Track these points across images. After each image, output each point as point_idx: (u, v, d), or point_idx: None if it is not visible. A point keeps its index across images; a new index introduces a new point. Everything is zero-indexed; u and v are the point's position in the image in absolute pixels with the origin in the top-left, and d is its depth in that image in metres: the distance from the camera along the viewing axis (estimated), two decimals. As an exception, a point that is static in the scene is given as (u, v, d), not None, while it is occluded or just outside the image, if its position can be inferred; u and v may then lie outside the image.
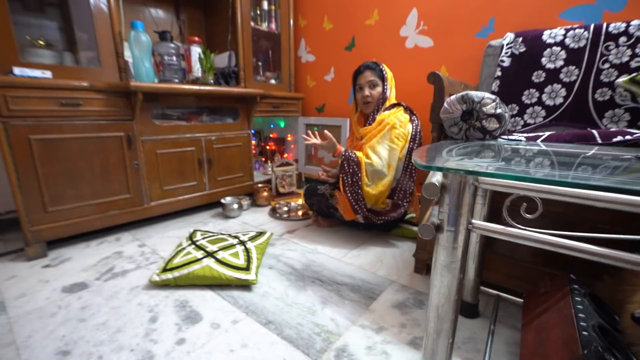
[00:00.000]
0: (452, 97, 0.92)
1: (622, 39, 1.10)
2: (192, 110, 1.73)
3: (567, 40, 1.19)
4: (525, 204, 0.45)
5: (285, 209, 1.80)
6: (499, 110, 0.87)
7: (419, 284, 1.11)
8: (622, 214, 0.46)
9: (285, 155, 2.41)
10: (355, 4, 1.88)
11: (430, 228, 0.49)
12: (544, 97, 1.24)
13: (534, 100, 1.25)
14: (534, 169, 0.51)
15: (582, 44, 1.16)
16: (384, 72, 1.41)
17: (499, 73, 1.31)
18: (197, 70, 1.73)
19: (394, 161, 1.33)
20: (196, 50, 1.75)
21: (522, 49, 1.27)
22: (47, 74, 1.20)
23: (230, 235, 1.30)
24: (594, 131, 0.84)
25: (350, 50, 1.97)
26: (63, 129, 1.23)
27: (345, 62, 2.01)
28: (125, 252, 1.31)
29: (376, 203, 1.38)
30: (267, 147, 2.44)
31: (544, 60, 1.23)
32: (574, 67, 1.18)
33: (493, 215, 0.86)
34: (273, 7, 2.04)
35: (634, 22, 1.08)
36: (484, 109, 0.86)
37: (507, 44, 1.31)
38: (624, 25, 1.09)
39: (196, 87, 1.53)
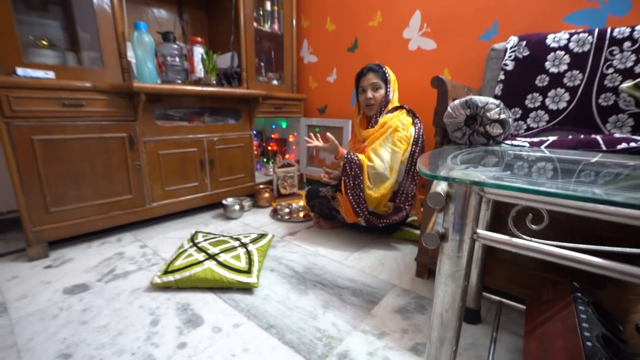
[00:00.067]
0: (456, 101, 0.92)
1: (627, 44, 1.09)
2: (194, 110, 1.73)
3: (571, 45, 1.18)
4: (531, 214, 0.45)
5: (287, 210, 1.79)
6: (502, 116, 0.86)
7: (421, 288, 1.11)
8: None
9: (287, 156, 2.41)
10: (358, 5, 1.88)
11: (435, 237, 0.48)
12: (548, 101, 1.23)
13: (538, 104, 1.25)
14: (540, 179, 0.50)
15: (586, 48, 1.16)
16: (387, 75, 1.41)
17: (502, 77, 1.31)
18: (199, 71, 1.73)
19: (396, 164, 1.33)
20: (199, 51, 1.74)
21: (526, 53, 1.27)
22: (50, 74, 1.20)
23: (231, 237, 1.30)
24: (598, 138, 0.84)
25: (353, 51, 1.97)
26: (65, 130, 1.23)
27: (348, 64, 2.01)
28: (127, 253, 1.31)
29: (378, 206, 1.38)
30: (269, 148, 2.44)
31: (547, 64, 1.23)
32: (577, 72, 1.17)
33: (496, 221, 0.86)
34: (276, 8, 2.04)
35: (638, 27, 1.07)
36: (488, 114, 0.86)
37: (510, 48, 1.30)
38: (628, 30, 1.09)
39: (199, 88, 1.52)
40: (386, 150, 1.32)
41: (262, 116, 1.99)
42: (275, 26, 2.05)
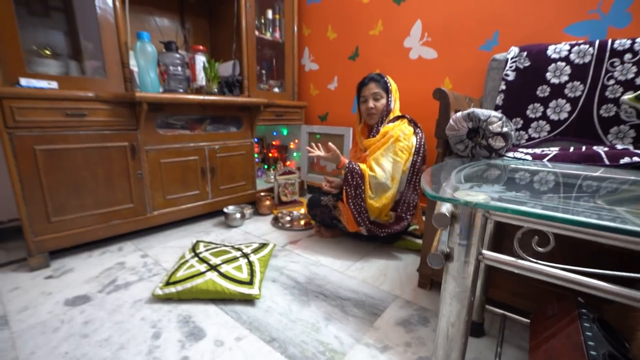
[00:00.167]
0: (458, 114, 0.92)
1: (628, 56, 1.10)
2: (196, 119, 1.73)
3: (572, 56, 1.19)
4: (537, 237, 0.44)
5: (288, 218, 1.79)
6: (505, 129, 0.87)
7: (423, 299, 1.10)
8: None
9: (288, 163, 2.41)
10: (359, 14, 1.89)
11: (440, 258, 0.48)
12: (549, 111, 1.24)
13: (539, 114, 1.26)
14: (545, 200, 0.50)
15: (587, 59, 1.17)
16: (389, 85, 1.42)
17: (503, 87, 1.32)
18: (201, 79, 1.74)
19: (397, 174, 1.33)
20: (200, 59, 1.75)
21: (527, 64, 1.28)
22: (53, 84, 1.20)
23: (233, 247, 1.30)
24: (601, 151, 0.84)
25: (354, 60, 1.98)
26: (68, 139, 1.23)
27: (349, 72, 2.02)
28: (128, 262, 1.31)
29: (379, 216, 1.38)
30: (270, 155, 2.44)
31: (548, 75, 1.23)
32: (578, 83, 1.18)
33: (499, 236, 0.86)
34: (277, 16, 2.05)
35: (639, 39, 1.08)
36: (491, 127, 0.86)
37: (511, 58, 1.31)
38: (629, 42, 1.10)
39: (201, 97, 1.53)
40: (388, 160, 1.32)
41: (263, 124, 1.99)
42: (277, 34, 2.07)
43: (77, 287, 1.13)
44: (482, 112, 0.88)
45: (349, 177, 1.33)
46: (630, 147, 1.06)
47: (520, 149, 1.13)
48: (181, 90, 1.56)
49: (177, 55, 1.51)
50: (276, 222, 1.78)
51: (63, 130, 1.22)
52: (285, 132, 2.45)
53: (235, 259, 1.19)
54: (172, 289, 1.04)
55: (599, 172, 0.76)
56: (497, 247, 0.87)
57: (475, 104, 1.35)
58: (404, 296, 1.12)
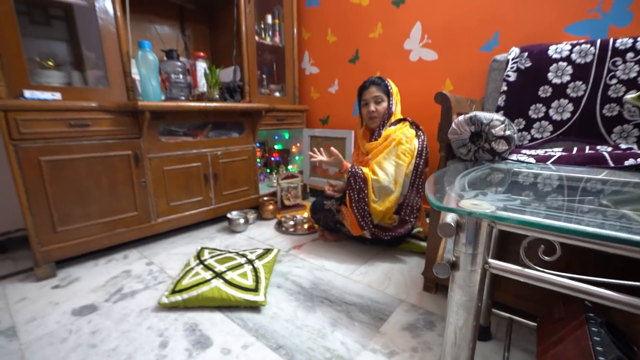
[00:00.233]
0: (460, 118, 0.92)
1: (630, 55, 1.09)
2: (198, 125, 1.74)
3: (574, 56, 1.18)
4: (543, 245, 0.44)
5: (292, 222, 1.79)
6: (508, 132, 0.86)
7: (429, 303, 1.10)
8: None
9: (290, 166, 2.41)
10: (358, 17, 1.89)
11: (446, 267, 0.48)
12: (551, 112, 1.23)
13: (541, 115, 1.25)
14: (551, 208, 0.50)
15: (588, 59, 1.16)
16: (390, 88, 1.42)
17: (504, 88, 1.31)
18: (202, 85, 1.75)
19: (400, 177, 1.33)
20: (202, 66, 1.76)
21: (528, 64, 1.27)
22: (57, 95, 1.21)
23: (237, 254, 1.30)
24: (605, 153, 0.84)
25: (354, 62, 1.98)
26: (72, 150, 1.24)
27: (350, 75, 2.02)
28: (134, 270, 1.32)
29: (383, 219, 1.38)
30: (272, 160, 2.44)
31: (550, 75, 1.23)
32: (580, 83, 1.18)
33: (503, 242, 0.85)
34: (277, 21, 2.06)
35: (641, 38, 1.07)
36: (493, 130, 0.86)
37: (512, 59, 1.31)
38: (630, 41, 1.09)
39: (202, 104, 1.54)
40: (390, 164, 1.32)
41: (265, 128, 2.00)
42: (277, 39, 2.07)
43: (84, 297, 1.13)
44: (485, 116, 0.88)
45: (352, 181, 1.33)
46: (635, 147, 1.06)
47: (524, 151, 1.13)
48: (183, 98, 1.57)
49: (178, 63, 1.52)
50: (280, 226, 1.79)
51: (67, 141, 1.23)
52: (286, 136, 2.46)
53: (240, 265, 1.19)
54: (178, 297, 1.04)
55: (603, 175, 0.75)
56: (502, 250, 0.87)
57: (477, 105, 1.35)
58: (410, 300, 1.11)
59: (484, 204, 0.46)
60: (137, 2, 1.51)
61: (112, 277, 1.26)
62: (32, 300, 1.11)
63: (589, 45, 1.16)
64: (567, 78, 1.20)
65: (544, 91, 1.24)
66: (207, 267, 1.18)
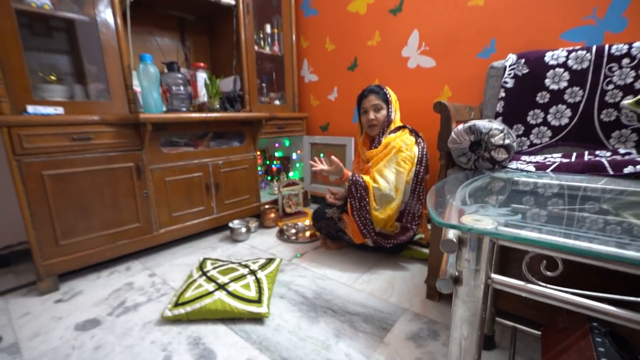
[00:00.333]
0: (460, 127, 0.93)
1: (625, 61, 1.11)
2: (199, 135, 1.75)
3: (570, 62, 1.20)
4: (545, 261, 0.45)
5: (293, 230, 1.80)
6: (507, 141, 0.87)
7: (432, 311, 1.10)
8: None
9: (291, 173, 2.42)
10: (356, 25, 1.91)
11: (449, 283, 0.49)
12: (549, 117, 1.24)
13: (540, 120, 1.26)
14: (552, 222, 0.51)
15: (585, 65, 1.17)
16: (388, 96, 1.43)
17: (503, 94, 1.32)
18: (203, 96, 1.76)
19: (401, 184, 1.33)
20: (202, 76, 1.78)
21: (525, 70, 1.28)
22: (59, 110, 1.22)
23: (240, 264, 1.30)
24: (604, 161, 0.84)
25: (353, 70, 2.00)
26: (74, 163, 1.25)
27: (348, 82, 2.04)
28: (136, 282, 1.32)
29: (385, 227, 1.38)
30: (273, 168, 2.45)
31: (547, 81, 1.24)
32: (578, 88, 1.19)
33: (505, 255, 0.86)
34: (276, 30, 2.08)
35: (636, 44, 1.09)
36: (493, 140, 0.87)
37: (509, 66, 1.32)
38: (626, 47, 1.10)
39: (204, 115, 1.55)
40: (391, 171, 1.33)
41: (266, 137, 2.01)
42: (276, 48, 2.09)
43: (87, 311, 1.13)
44: (484, 125, 0.88)
45: (353, 190, 1.34)
46: (633, 151, 1.06)
47: (523, 157, 1.14)
48: (184, 109, 1.58)
49: (179, 75, 1.53)
50: (282, 234, 1.79)
51: (70, 155, 1.23)
52: (287, 143, 2.47)
53: (242, 276, 1.19)
54: (181, 310, 1.04)
55: (602, 183, 0.76)
56: (505, 257, 0.87)
57: (476, 112, 1.36)
58: (413, 309, 1.11)
59: (486, 220, 0.46)
60: (137, 15, 1.53)
61: (115, 290, 1.26)
62: (35, 315, 1.11)
63: (584, 52, 1.17)
64: (564, 84, 1.21)
65: (542, 97, 1.25)
66: (210, 279, 1.18)
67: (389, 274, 1.35)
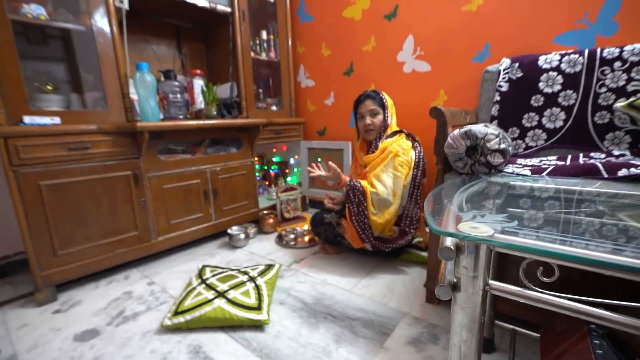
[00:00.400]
0: (456, 132, 0.94)
1: (617, 64, 1.12)
2: (196, 142, 1.75)
3: (563, 66, 1.21)
4: (541, 267, 0.45)
5: (292, 236, 1.80)
6: (503, 146, 0.88)
7: (432, 315, 1.10)
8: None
9: (289, 178, 2.42)
10: (351, 31, 1.93)
11: (448, 290, 0.49)
12: (544, 120, 1.26)
13: (534, 123, 1.28)
14: (548, 230, 0.51)
15: (577, 68, 1.19)
16: (384, 101, 1.44)
17: (497, 98, 1.34)
18: (200, 102, 1.76)
19: (399, 189, 1.34)
20: (198, 83, 1.78)
21: (519, 74, 1.30)
22: (56, 120, 1.22)
23: (239, 271, 1.30)
24: (599, 164, 0.85)
25: (349, 75, 2.01)
26: (72, 173, 1.25)
27: (345, 87, 2.05)
28: (135, 291, 1.31)
29: (383, 231, 1.38)
30: (271, 173, 2.45)
31: (541, 84, 1.26)
32: (571, 91, 1.20)
33: (503, 259, 0.86)
34: (272, 37, 2.09)
35: (627, 48, 1.10)
36: (488, 144, 0.88)
37: (504, 70, 1.33)
38: (617, 50, 1.12)
39: (201, 122, 1.55)
40: (388, 176, 1.33)
41: (263, 142, 2.01)
42: (272, 54, 2.10)
43: (86, 321, 1.13)
44: (479, 130, 0.89)
45: (351, 195, 1.34)
46: (627, 153, 1.08)
47: (519, 160, 1.15)
48: (181, 117, 1.59)
49: (176, 83, 1.54)
50: (280, 240, 1.79)
51: (67, 164, 1.23)
52: (284, 148, 2.47)
53: (242, 283, 1.19)
54: (180, 319, 1.04)
55: (596, 186, 0.77)
56: (503, 264, 0.88)
57: (471, 115, 1.37)
58: (413, 313, 1.11)
59: (482, 227, 0.47)
60: (133, 23, 1.53)
61: (114, 299, 1.26)
62: (34, 327, 1.10)
63: (577, 55, 1.19)
64: (558, 87, 1.22)
65: (536, 100, 1.27)
66: (209, 287, 1.17)
67: (388, 278, 1.35)
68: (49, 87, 1.36)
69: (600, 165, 0.84)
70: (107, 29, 1.33)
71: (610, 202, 0.73)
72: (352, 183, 1.35)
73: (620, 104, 1.07)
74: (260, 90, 2.19)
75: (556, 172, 0.88)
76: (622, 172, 0.79)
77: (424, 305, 1.15)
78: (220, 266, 1.42)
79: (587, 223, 0.61)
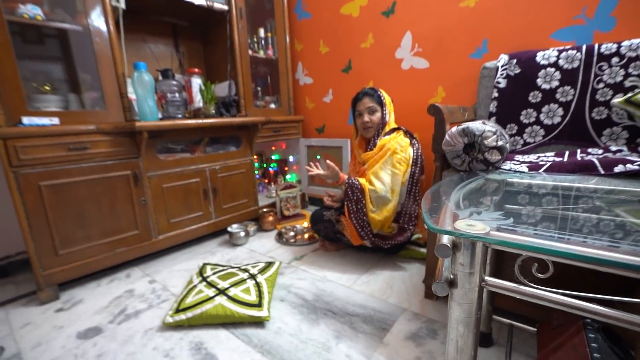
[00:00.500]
0: (454, 129, 0.94)
1: (615, 60, 1.12)
2: (195, 141, 1.75)
3: (561, 62, 1.21)
4: (536, 264, 0.46)
5: (292, 233, 1.81)
6: (500, 143, 0.89)
7: (431, 310, 1.11)
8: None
9: (288, 176, 2.43)
10: (349, 28, 1.92)
11: (444, 286, 0.50)
12: (542, 116, 1.26)
13: (532, 119, 1.28)
14: (544, 226, 0.52)
15: (575, 64, 1.19)
16: (382, 98, 1.44)
17: (495, 94, 1.34)
18: (198, 101, 1.76)
19: (397, 186, 1.35)
20: (197, 82, 1.78)
21: (517, 71, 1.30)
22: (55, 120, 1.23)
23: (240, 269, 1.31)
24: (595, 160, 0.86)
25: (348, 72, 2.01)
26: (71, 173, 1.25)
27: (343, 84, 2.05)
28: (137, 289, 1.32)
29: (382, 228, 1.39)
30: (270, 171, 2.46)
31: (539, 80, 1.26)
32: (569, 87, 1.20)
33: (500, 253, 0.87)
34: (269, 34, 2.09)
35: (625, 43, 1.10)
36: (486, 142, 0.88)
37: (502, 66, 1.34)
38: (615, 46, 1.12)
39: (199, 121, 1.55)
40: (386, 173, 1.34)
41: (262, 140, 2.02)
42: (270, 51, 2.10)
43: (88, 319, 1.14)
44: (477, 127, 0.90)
45: (349, 192, 1.35)
46: (625, 148, 1.08)
47: (517, 156, 1.16)
48: (179, 116, 1.59)
49: (174, 82, 1.54)
50: (280, 237, 1.80)
51: (66, 165, 1.24)
52: (284, 146, 2.47)
53: (242, 281, 1.20)
54: (182, 316, 1.05)
55: (593, 182, 0.78)
56: (499, 263, 0.89)
57: (469, 112, 1.38)
58: (412, 308, 1.13)
59: (479, 225, 0.47)
60: (130, 22, 1.53)
61: (116, 298, 1.27)
62: (37, 325, 1.12)
63: (575, 51, 1.19)
64: (555, 83, 1.23)
65: (534, 96, 1.27)
66: (210, 284, 1.18)
67: (388, 275, 1.37)
68: (47, 88, 1.36)
69: (596, 162, 0.85)
70: (104, 28, 1.33)
71: (607, 198, 0.74)
72: (350, 181, 1.36)
73: (618, 99, 1.08)
74: (259, 88, 2.18)
75: (553, 168, 0.89)
76: (618, 168, 0.80)
77: (422, 301, 1.17)
78: (221, 264, 1.43)
79: (582, 220, 0.62)
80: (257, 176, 2.25)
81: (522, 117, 1.30)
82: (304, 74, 2.24)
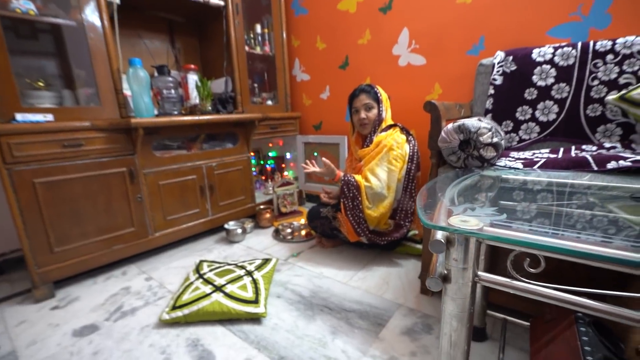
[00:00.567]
0: (449, 126, 0.95)
1: (609, 57, 1.13)
2: (191, 138, 1.75)
3: (556, 59, 1.22)
4: (528, 258, 0.47)
5: (289, 230, 1.81)
6: (495, 139, 0.89)
7: (426, 306, 1.12)
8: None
9: (285, 173, 2.43)
10: (346, 24, 1.92)
11: (438, 282, 0.50)
12: (537, 113, 1.27)
13: (528, 116, 1.28)
14: (537, 222, 0.52)
15: (570, 61, 1.20)
16: (379, 95, 1.44)
17: (492, 91, 1.35)
18: (194, 98, 1.75)
19: (393, 182, 1.35)
20: (193, 78, 1.77)
21: (513, 67, 1.31)
22: (49, 117, 1.21)
23: (236, 266, 1.31)
24: (588, 156, 0.87)
25: (345, 68, 2.00)
26: (66, 170, 1.24)
27: (340, 81, 2.04)
28: (133, 287, 1.32)
29: (378, 224, 1.40)
30: (267, 168, 2.46)
31: (535, 77, 1.26)
32: (564, 84, 1.21)
33: (494, 249, 0.88)
34: (266, 30, 2.08)
35: (619, 40, 1.11)
36: (481, 138, 0.89)
37: (498, 63, 1.34)
38: (610, 43, 1.13)
39: (196, 118, 1.55)
40: (382, 170, 1.34)
41: (259, 137, 2.01)
42: (267, 48, 2.09)
43: (84, 317, 1.14)
44: (472, 124, 0.90)
45: (345, 190, 1.35)
46: (618, 145, 1.09)
47: (512, 153, 1.16)
48: (175, 112, 1.58)
49: (170, 79, 1.52)
50: (277, 234, 1.80)
51: (61, 162, 1.23)
52: (280, 143, 2.47)
53: (239, 277, 1.20)
54: (178, 313, 1.05)
55: (586, 178, 0.78)
56: (494, 259, 0.89)
57: (466, 109, 1.38)
58: (407, 304, 1.14)
59: (472, 221, 0.48)
60: (125, 18, 1.51)
61: (112, 295, 1.27)
62: (32, 323, 1.11)
63: (570, 48, 1.19)
64: (551, 80, 1.23)
65: (530, 93, 1.27)
66: (207, 281, 1.19)
67: (384, 271, 1.37)
68: (41, 84, 1.35)
69: (590, 158, 0.85)
70: (98, 23, 1.31)
71: (600, 194, 0.74)
72: (346, 178, 1.36)
73: (612, 96, 1.09)
74: (255, 85, 2.17)
75: (548, 165, 0.90)
76: (611, 165, 0.81)
77: (418, 297, 1.18)
78: (218, 261, 1.43)
79: (575, 215, 0.63)
80: (254, 173, 2.25)
81: (517, 114, 1.30)
82: (301, 70, 2.23)
